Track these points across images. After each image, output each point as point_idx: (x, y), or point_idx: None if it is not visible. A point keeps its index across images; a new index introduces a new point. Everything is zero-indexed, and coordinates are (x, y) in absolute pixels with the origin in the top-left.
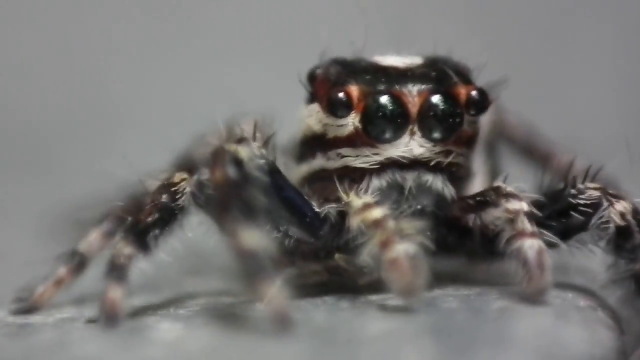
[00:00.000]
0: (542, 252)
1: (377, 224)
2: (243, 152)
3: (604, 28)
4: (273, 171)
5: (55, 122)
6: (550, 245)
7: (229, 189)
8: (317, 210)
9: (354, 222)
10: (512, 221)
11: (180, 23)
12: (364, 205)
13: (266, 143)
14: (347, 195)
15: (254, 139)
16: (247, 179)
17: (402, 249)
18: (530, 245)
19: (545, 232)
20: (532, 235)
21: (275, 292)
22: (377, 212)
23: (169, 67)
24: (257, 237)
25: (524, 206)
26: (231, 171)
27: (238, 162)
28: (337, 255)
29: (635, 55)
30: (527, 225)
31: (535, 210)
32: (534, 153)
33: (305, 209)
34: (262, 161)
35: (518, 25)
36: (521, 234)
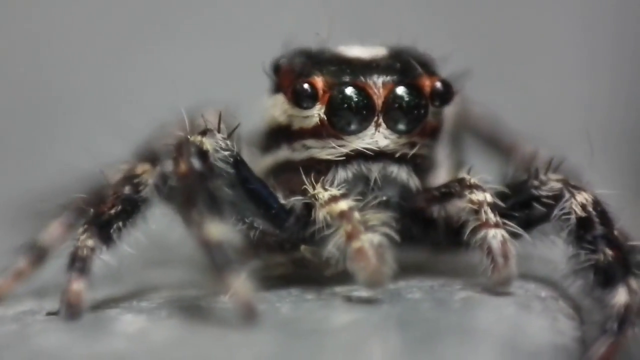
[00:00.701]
0: (506, 242)
1: (342, 215)
2: (208, 143)
3: (568, 18)
4: (238, 163)
5: (14, 112)
6: (514, 235)
7: (194, 181)
8: (282, 202)
9: (320, 214)
10: (475, 212)
11: (141, 8)
12: (331, 197)
13: (231, 134)
14: (313, 187)
15: (219, 130)
16: (211, 171)
17: (367, 239)
18: (494, 235)
19: (508, 222)
20: (496, 225)
21: (240, 284)
22: (342, 204)
23: (130, 54)
24: (222, 230)
25: (488, 197)
26: (196, 163)
27: (203, 154)
28: (302, 247)
29: (599, 46)
30: (490, 215)
31: (498, 202)
32: (498, 144)
33: (271, 200)
34: (227, 153)
35: (482, 15)
36: (485, 224)
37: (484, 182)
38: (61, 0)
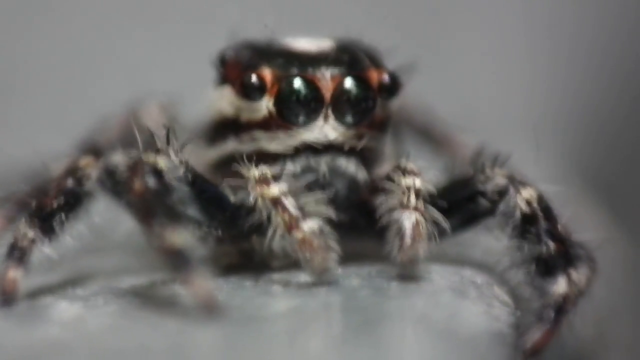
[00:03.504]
0: (419, 225)
1: (275, 202)
2: (162, 162)
3: (510, 6)
4: (192, 177)
5: None
6: (441, 231)
7: (151, 198)
8: (233, 201)
9: (253, 195)
10: (400, 194)
11: None
12: (261, 177)
13: (182, 148)
14: (248, 170)
15: (168, 142)
16: (167, 188)
17: (308, 227)
18: (408, 217)
19: (433, 211)
20: (415, 209)
21: (201, 281)
22: (274, 190)
23: (73, 46)
24: (183, 236)
25: (417, 182)
26: (150, 182)
27: (157, 173)
28: (254, 238)
29: (543, 40)
30: (412, 199)
31: (430, 188)
32: (432, 136)
33: (225, 204)
34: (181, 170)
35: (422, 5)
36: (403, 206)
37: (421, 168)
38: None
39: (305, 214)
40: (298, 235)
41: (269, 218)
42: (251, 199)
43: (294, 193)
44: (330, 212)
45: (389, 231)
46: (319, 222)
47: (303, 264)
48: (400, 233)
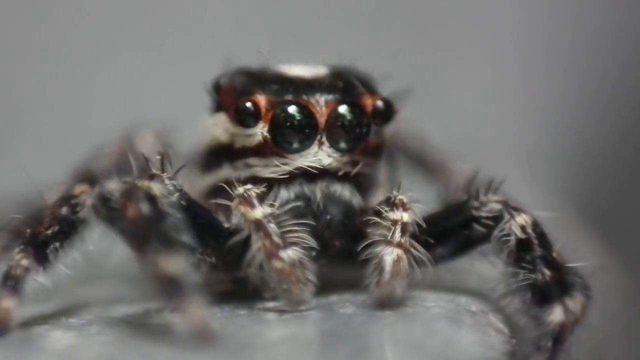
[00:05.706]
0: (400, 261)
1: (257, 225)
2: (155, 188)
3: (507, 34)
4: (186, 203)
5: None
6: (437, 258)
7: (144, 225)
8: (227, 226)
9: (236, 215)
10: (386, 229)
11: (76, 23)
12: (244, 196)
13: (176, 173)
14: (235, 189)
15: (163, 169)
16: (161, 215)
17: (288, 257)
18: (390, 252)
19: (417, 247)
20: (398, 245)
21: (195, 309)
22: (257, 212)
23: (67, 75)
24: (175, 263)
25: (404, 216)
26: (144, 208)
27: (151, 199)
28: (248, 265)
29: (538, 68)
30: (397, 235)
31: (419, 221)
32: (426, 163)
33: (219, 231)
34: (175, 196)
35: (415, 31)
36: (386, 241)
37: (412, 200)
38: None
39: (286, 242)
40: (277, 264)
41: (249, 239)
42: (234, 220)
43: (278, 218)
44: (313, 242)
45: (369, 264)
46: (300, 253)
47: (279, 293)
48: (379, 268)
